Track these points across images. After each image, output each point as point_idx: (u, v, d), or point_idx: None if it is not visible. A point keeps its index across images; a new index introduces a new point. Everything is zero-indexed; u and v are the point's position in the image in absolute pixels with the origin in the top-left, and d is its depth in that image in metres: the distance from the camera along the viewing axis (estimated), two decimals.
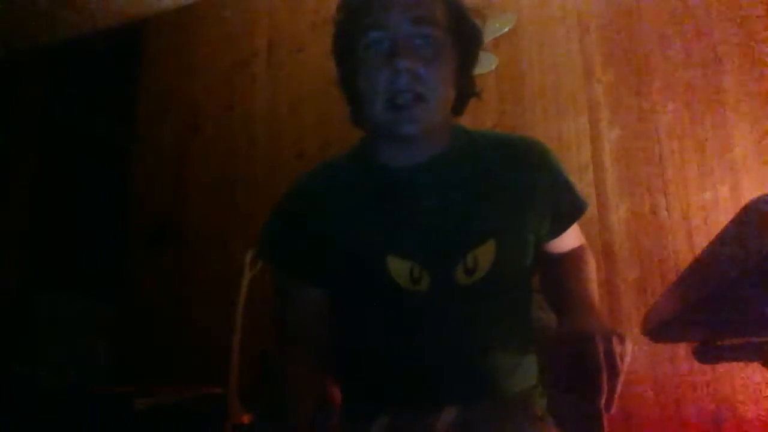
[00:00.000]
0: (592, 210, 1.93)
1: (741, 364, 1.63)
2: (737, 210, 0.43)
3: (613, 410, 0.64)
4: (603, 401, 0.63)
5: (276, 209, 0.96)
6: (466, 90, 0.90)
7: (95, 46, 3.05)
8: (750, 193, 1.78)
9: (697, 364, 1.70)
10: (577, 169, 1.99)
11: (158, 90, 2.82)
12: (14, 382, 2.09)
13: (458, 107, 0.91)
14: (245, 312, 2.02)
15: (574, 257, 0.97)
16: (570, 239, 0.98)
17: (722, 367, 1.70)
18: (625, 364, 0.66)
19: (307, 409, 0.71)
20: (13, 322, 2.85)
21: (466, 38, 0.87)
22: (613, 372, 0.64)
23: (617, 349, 0.66)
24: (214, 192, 2.56)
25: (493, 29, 2.17)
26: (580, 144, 2.02)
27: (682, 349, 1.74)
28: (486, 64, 2.15)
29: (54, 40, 3.05)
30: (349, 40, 0.85)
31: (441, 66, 0.82)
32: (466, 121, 0.94)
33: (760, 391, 1.66)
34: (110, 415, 1.85)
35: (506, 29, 2.19)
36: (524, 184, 0.90)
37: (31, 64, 3.17)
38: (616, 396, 0.64)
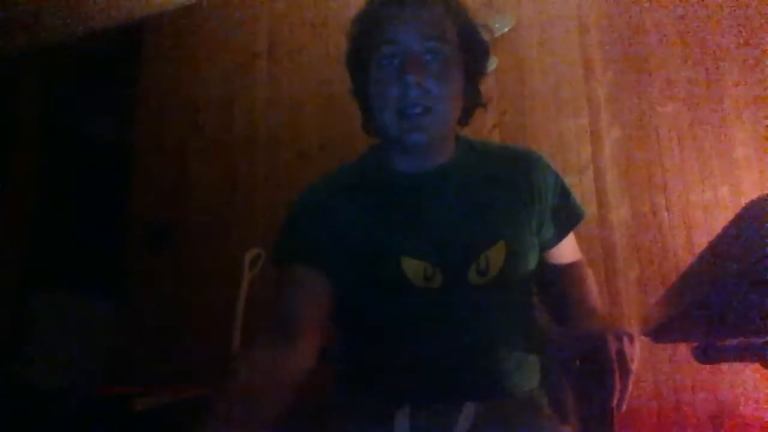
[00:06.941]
0: (592, 210, 1.93)
1: (741, 364, 1.63)
2: (737, 210, 0.43)
3: (624, 409, 0.65)
4: (615, 400, 0.65)
5: (295, 205, 0.98)
6: (472, 101, 0.96)
7: (95, 46, 3.05)
8: (750, 193, 1.78)
9: (697, 364, 1.70)
10: (577, 169, 1.99)
11: (158, 90, 2.82)
12: (14, 382, 2.09)
13: (464, 118, 0.96)
14: (245, 312, 2.02)
15: (574, 269, 1.02)
16: (569, 251, 1.02)
17: (722, 367, 1.69)
18: (635, 364, 0.67)
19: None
20: (13, 322, 2.85)
21: (473, 53, 0.92)
22: (625, 371, 0.66)
23: (628, 349, 0.67)
24: (214, 192, 2.56)
25: (492, 29, 2.17)
26: (580, 144, 2.02)
27: (682, 349, 1.74)
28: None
29: (54, 40, 3.05)
30: (362, 53, 0.91)
31: (449, 81, 0.87)
32: None
33: (760, 391, 1.66)
34: (110, 415, 1.85)
35: (506, 29, 2.18)
36: (527, 190, 0.94)
37: (31, 65, 3.17)
38: (627, 395, 0.66)
